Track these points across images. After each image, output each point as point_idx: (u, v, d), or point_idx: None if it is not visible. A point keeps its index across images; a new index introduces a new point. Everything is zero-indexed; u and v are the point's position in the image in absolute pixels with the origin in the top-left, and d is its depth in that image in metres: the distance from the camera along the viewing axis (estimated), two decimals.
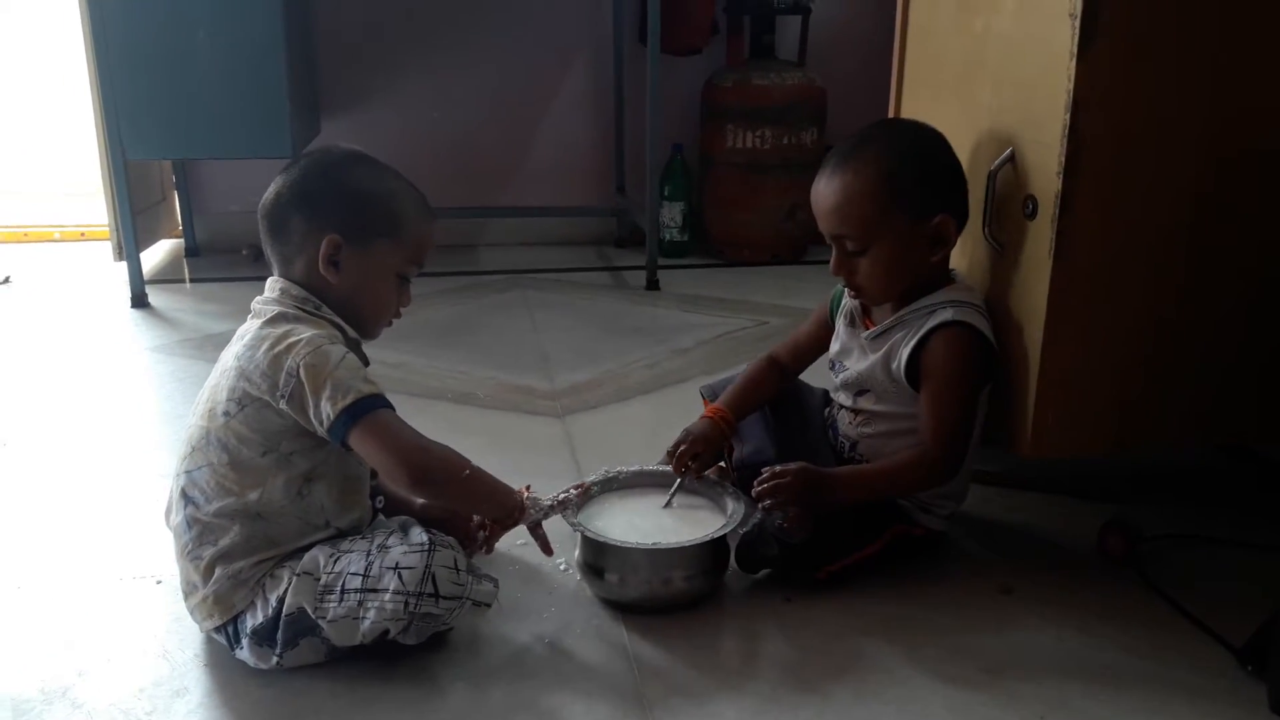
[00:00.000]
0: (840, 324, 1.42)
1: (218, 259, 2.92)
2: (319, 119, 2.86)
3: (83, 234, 3.16)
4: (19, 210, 3.34)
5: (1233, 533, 1.42)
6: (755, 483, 1.24)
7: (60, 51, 3.46)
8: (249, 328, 1.14)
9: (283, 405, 1.08)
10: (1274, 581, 1.28)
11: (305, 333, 1.10)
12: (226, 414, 1.10)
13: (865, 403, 1.36)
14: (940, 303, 1.29)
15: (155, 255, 2.95)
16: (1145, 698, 1.09)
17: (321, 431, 1.08)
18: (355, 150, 1.21)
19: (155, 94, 2.32)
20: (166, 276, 2.78)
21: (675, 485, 1.34)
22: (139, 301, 2.47)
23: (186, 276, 2.79)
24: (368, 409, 1.07)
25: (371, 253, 1.16)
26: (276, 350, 1.08)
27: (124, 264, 2.50)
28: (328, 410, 1.06)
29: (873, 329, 1.35)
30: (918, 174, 1.27)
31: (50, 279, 2.75)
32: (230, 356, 1.14)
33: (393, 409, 1.10)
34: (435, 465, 1.11)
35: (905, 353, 1.29)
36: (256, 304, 1.17)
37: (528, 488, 1.24)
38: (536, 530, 1.24)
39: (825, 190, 1.29)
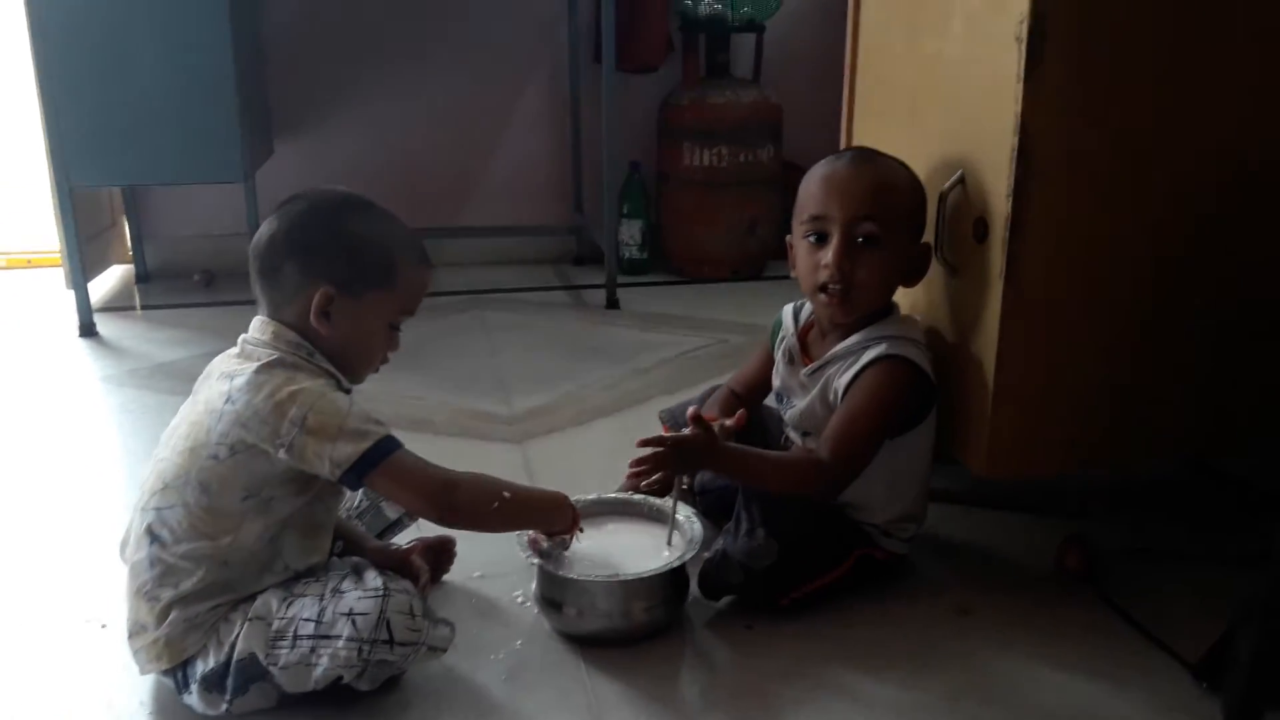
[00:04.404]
0: (780, 360, 1.42)
1: (168, 284, 2.86)
2: (271, 140, 2.83)
3: (29, 261, 3.10)
4: None
5: (1190, 547, 1.43)
6: (631, 462, 1.24)
7: (12, 73, 3.38)
8: (241, 369, 1.10)
9: (281, 455, 1.05)
10: (1229, 596, 1.29)
11: (305, 381, 1.08)
12: (214, 457, 1.07)
13: (811, 443, 1.35)
14: (877, 338, 1.28)
15: (106, 282, 2.89)
16: (1103, 717, 1.10)
17: (327, 475, 1.06)
18: (352, 195, 1.17)
19: (101, 120, 2.27)
20: (117, 303, 2.72)
21: (670, 520, 1.30)
22: (87, 331, 2.42)
23: (137, 303, 2.74)
24: (386, 452, 1.07)
25: (364, 304, 1.13)
26: (279, 398, 1.05)
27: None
28: (347, 452, 1.05)
29: (810, 365, 1.35)
30: (923, 197, 1.32)
31: None
32: (218, 397, 1.09)
33: (403, 446, 1.10)
34: (463, 500, 1.12)
35: (841, 384, 1.28)
36: (246, 345, 1.13)
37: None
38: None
39: (858, 173, 1.28)
